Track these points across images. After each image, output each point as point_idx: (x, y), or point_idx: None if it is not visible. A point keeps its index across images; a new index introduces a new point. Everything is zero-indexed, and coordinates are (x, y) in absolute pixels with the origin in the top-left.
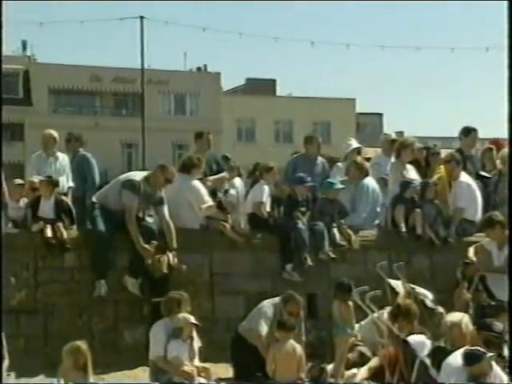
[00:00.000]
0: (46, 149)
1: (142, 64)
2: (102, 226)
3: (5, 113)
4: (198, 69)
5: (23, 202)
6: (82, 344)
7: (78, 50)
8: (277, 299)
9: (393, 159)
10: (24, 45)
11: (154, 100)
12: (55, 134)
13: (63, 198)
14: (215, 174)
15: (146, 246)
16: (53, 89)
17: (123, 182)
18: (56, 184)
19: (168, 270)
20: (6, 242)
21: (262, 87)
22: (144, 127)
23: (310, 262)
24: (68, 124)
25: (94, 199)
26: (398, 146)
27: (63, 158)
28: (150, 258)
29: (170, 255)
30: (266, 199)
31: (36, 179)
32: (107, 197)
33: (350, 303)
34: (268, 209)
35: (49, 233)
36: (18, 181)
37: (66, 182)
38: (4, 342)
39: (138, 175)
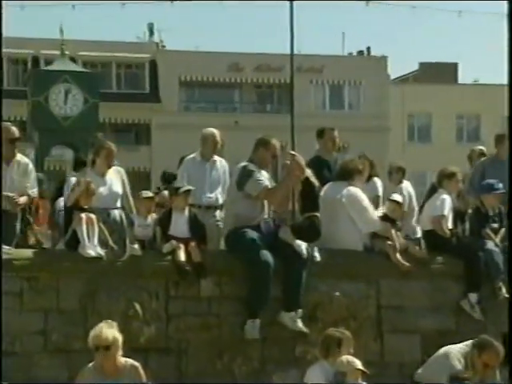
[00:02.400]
0: (204, 151)
1: (292, 47)
2: (265, 255)
3: (129, 111)
4: (360, 52)
5: (151, 218)
6: None
7: (213, 34)
8: (467, 345)
9: None
10: (151, 29)
11: (304, 92)
12: (217, 133)
13: (217, 213)
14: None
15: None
16: (184, 81)
17: (237, 178)
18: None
19: None
20: (132, 265)
21: (439, 73)
22: (293, 126)
23: (505, 293)
24: (202, 123)
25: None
26: None
27: (221, 164)
28: None
29: None
30: (448, 213)
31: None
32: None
33: None
34: (450, 225)
35: (182, 255)
36: (147, 193)
37: (223, 192)
38: None
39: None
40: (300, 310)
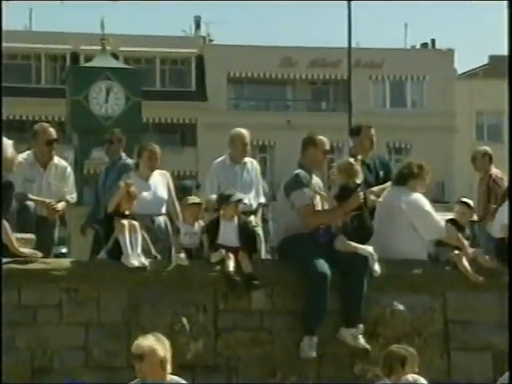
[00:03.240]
0: (233, 154)
1: (349, 40)
2: (322, 266)
3: (174, 110)
4: (424, 45)
5: (199, 225)
6: None
7: (264, 27)
8: None
9: None
10: (197, 22)
11: (363, 89)
12: (246, 134)
13: (252, 218)
14: (382, 183)
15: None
16: (233, 78)
17: (286, 183)
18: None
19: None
20: (178, 276)
21: None
22: (351, 125)
23: None
24: (252, 123)
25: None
26: None
27: (252, 166)
28: None
29: None
30: None
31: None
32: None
33: None
34: None
35: (231, 265)
36: (193, 199)
37: (256, 196)
38: None
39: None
40: (361, 326)
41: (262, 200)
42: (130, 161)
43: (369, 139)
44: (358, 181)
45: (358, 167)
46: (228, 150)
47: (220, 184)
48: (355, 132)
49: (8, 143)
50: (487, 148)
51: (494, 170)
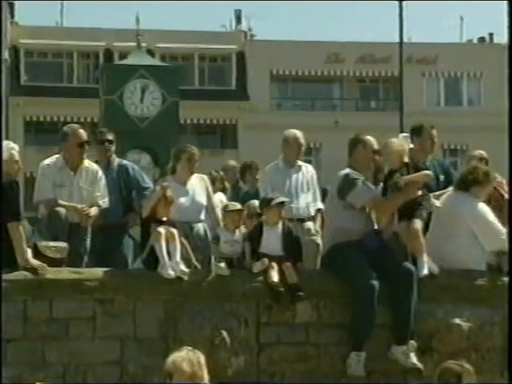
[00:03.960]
0: (287, 156)
1: (401, 35)
2: (371, 277)
3: (213, 111)
4: (481, 39)
5: (240, 233)
6: None
7: (309, 22)
8: None
9: None
10: (238, 16)
11: (415, 86)
12: (300, 135)
13: (310, 225)
14: (442, 188)
15: None
16: (276, 75)
17: (339, 186)
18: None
19: None
20: (218, 287)
21: None
22: (402, 126)
23: None
24: (296, 123)
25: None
26: None
27: (307, 169)
28: None
29: None
30: None
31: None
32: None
33: None
34: None
35: (275, 275)
36: (234, 205)
37: (313, 201)
38: None
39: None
40: (413, 342)
41: (320, 206)
42: (126, 162)
43: (430, 140)
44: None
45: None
46: (281, 153)
47: (274, 189)
48: (416, 132)
49: (13, 146)
50: (483, 152)
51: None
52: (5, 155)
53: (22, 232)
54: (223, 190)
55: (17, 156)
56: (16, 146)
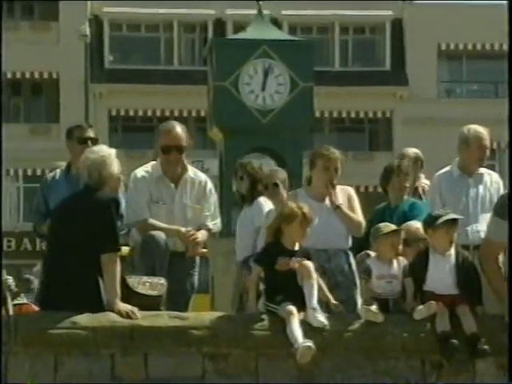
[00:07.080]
0: (465, 162)
1: None
2: None
3: (359, 100)
4: None
5: (399, 265)
6: None
7: None
8: None
9: None
10: None
11: None
12: (485, 133)
13: None
14: None
15: None
16: (446, 52)
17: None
18: None
19: None
20: (368, 337)
21: None
22: None
23: None
24: (473, 116)
25: None
26: None
27: (491, 179)
28: None
29: None
30: None
31: None
32: None
33: None
34: None
35: (446, 323)
36: (388, 226)
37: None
38: None
39: None
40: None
41: None
42: None
43: None
44: None
45: None
46: (457, 156)
47: (445, 204)
48: None
49: (110, 152)
50: (417, 151)
51: (424, 181)
52: (113, 167)
53: (118, 267)
54: None
55: (120, 166)
56: (113, 151)
